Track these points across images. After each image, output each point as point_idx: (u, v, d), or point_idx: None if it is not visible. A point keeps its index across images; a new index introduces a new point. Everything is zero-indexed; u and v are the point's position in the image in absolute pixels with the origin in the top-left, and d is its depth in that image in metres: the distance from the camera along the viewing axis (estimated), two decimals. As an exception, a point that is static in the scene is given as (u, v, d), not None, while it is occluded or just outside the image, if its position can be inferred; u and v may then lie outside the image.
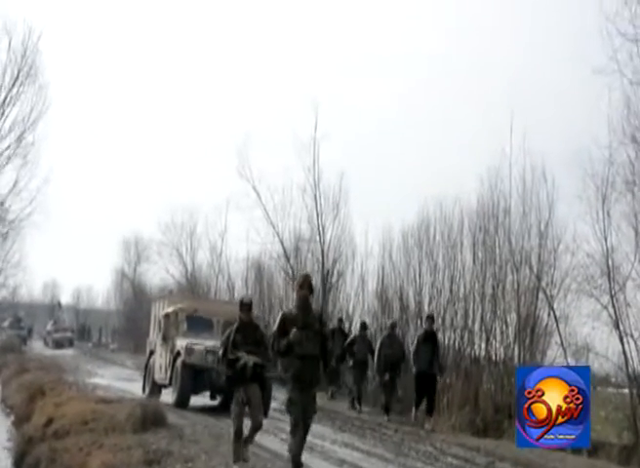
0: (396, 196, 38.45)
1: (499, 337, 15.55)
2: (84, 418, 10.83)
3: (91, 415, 10.93)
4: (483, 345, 15.66)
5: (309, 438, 10.27)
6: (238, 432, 8.00)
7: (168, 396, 14.29)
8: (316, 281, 22.10)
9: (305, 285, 7.62)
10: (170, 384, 14.18)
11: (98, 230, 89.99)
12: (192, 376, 13.51)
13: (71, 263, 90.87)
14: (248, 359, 8.02)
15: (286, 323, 7.44)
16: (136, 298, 43.38)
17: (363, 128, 55.97)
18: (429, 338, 12.74)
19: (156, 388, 15.23)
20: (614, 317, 12.38)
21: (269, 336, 7.76)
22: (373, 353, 14.40)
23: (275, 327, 7.56)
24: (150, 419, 10.12)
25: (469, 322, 16.24)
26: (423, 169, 53.40)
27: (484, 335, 15.74)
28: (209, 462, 8.12)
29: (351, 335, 16.27)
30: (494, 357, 15.53)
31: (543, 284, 14.88)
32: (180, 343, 13.93)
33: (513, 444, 10.57)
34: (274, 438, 10.29)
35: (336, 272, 22.11)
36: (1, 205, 21.73)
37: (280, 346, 7.37)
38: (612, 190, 12.67)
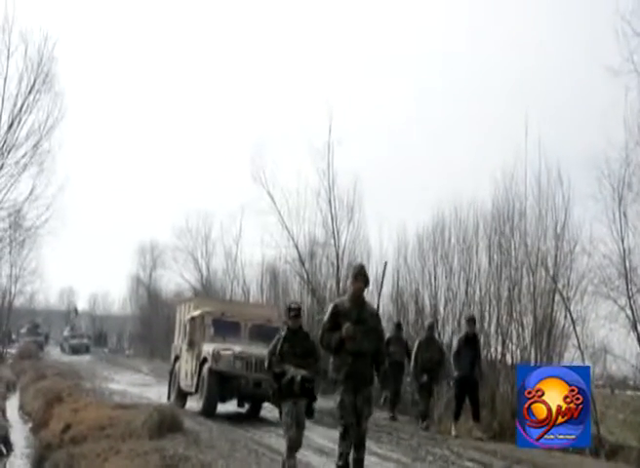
0: (411, 199, 38.42)
1: (515, 340, 15.46)
2: (101, 424, 10.88)
3: (108, 421, 10.98)
4: (499, 348, 15.58)
5: (324, 441, 10.17)
6: (292, 443, 7.50)
7: (194, 403, 13.89)
8: (331, 285, 22.17)
9: (360, 277, 6.91)
10: (196, 392, 13.64)
11: (113, 237, 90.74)
12: (220, 384, 12.93)
13: (87, 270, 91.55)
14: (295, 373, 7.39)
15: (338, 316, 6.79)
16: (151, 304, 43.66)
17: (377, 131, 55.99)
18: (471, 342, 12.03)
19: (182, 395, 14.74)
20: (631, 318, 12.27)
21: (319, 329, 7.01)
22: (409, 355, 13.67)
23: (325, 319, 6.90)
24: (167, 425, 10.13)
25: (485, 325, 16.16)
26: (438, 171, 53.28)
27: (500, 338, 15.66)
28: (226, 467, 8.11)
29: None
30: (510, 360, 15.44)
31: (560, 286, 14.77)
32: (207, 349, 13.38)
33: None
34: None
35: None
36: (17, 212, 21.88)
37: (331, 341, 6.72)
38: (628, 191, 12.58)
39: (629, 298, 12.34)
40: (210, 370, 12.95)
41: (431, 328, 13.59)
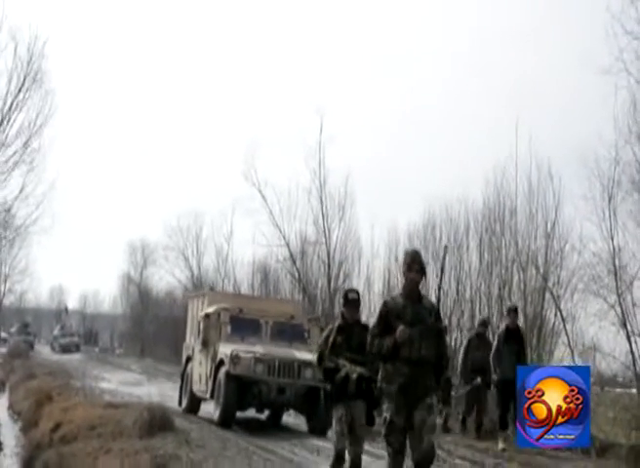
0: (402, 197, 38.50)
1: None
2: (91, 423, 10.83)
3: (98, 420, 10.93)
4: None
5: (320, 443, 9.93)
6: (341, 454, 6.50)
7: (207, 406, 12.92)
8: (323, 283, 22.18)
9: (415, 265, 5.66)
10: (211, 398, 12.23)
11: (104, 235, 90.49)
12: (238, 390, 11.54)
13: (78, 268, 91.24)
14: (351, 369, 6.37)
15: (389, 316, 5.61)
16: (142, 303, 43.56)
17: (369, 130, 56.01)
18: (513, 337, 10.34)
19: (195, 401, 13.43)
20: (621, 316, 12.35)
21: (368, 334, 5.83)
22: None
23: (374, 322, 5.77)
24: (157, 424, 10.07)
25: (476, 323, 16.21)
26: (430, 170, 53.37)
27: (491, 336, 15.70)
28: (217, 466, 8.10)
29: None
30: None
31: (550, 284, 14.85)
32: (224, 350, 11.98)
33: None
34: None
35: (342, 274, 22.16)
36: (7, 211, 21.76)
37: (383, 347, 5.53)
38: (618, 190, 12.67)
39: (619, 296, 12.41)
40: (227, 375, 11.58)
41: (484, 324, 12.12)
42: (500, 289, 15.89)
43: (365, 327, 6.63)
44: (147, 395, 15.94)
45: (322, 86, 53.10)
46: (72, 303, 63.32)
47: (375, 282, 20.74)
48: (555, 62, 50.23)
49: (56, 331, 49.84)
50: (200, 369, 13.13)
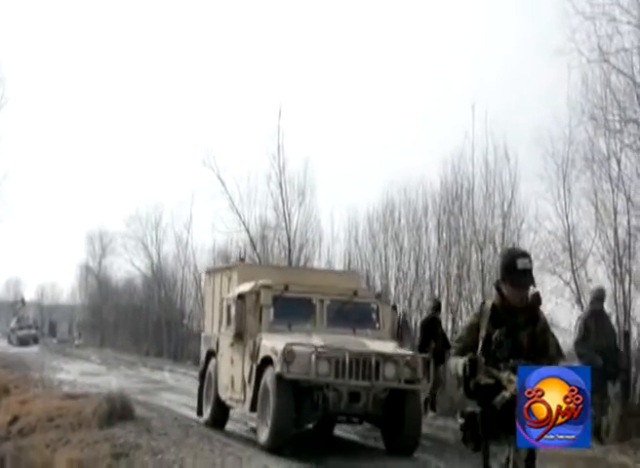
0: (362, 182, 38.49)
1: (464, 317, 15.69)
2: (50, 415, 10.72)
3: (57, 412, 10.83)
4: (449, 326, 15.78)
5: None
6: None
7: (238, 417, 10.69)
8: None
9: None
10: (252, 410, 9.21)
11: (61, 225, 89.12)
12: (295, 399, 8.54)
13: (34, 260, 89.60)
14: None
15: None
16: (101, 292, 43.13)
17: (329, 115, 55.88)
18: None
19: (221, 410, 10.41)
20: (576, 292, 12.57)
21: None
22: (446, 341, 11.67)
23: None
24: (118, 413, 10.01)
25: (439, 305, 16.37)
26: (389, 153, 53.52)
27: (450, 316, 15.87)
28: (178, 453, 8.07)
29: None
30: (460, 337, 15.67)
31: (507, 263, 14.99)
32: (269, 343, 8.88)
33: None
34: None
35: (303, 258, 22.17)
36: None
37: None
38: (572, 168, 12.85)
39: (573, 273, 12.64)
40: (279, 379, 8.49)
41: (600, 297, 10.02)
42: (458, 268, 16.05)
43: (534, 314, 4.28)
44: (107, 385, 15.77)
45: (281, 70, 52.71)
46: (29, 295, 62.29)
47: (335, 265, 20.80)
48: (511, 43, 50.72)
49: (12, 324, 49.01)
50: (232, 369, 9.95)
